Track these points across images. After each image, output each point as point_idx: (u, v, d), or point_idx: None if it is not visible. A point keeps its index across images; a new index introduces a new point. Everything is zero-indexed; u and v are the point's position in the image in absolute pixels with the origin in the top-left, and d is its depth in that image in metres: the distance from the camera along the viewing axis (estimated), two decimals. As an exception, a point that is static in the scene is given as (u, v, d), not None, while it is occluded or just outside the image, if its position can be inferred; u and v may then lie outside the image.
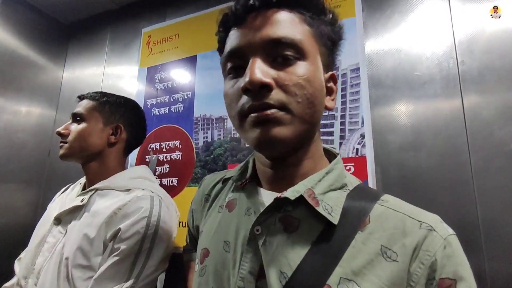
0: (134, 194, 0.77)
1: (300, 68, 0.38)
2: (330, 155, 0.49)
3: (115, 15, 1.53)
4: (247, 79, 0.36)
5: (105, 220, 0.72)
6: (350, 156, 0.89)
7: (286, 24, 0.39)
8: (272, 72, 0.38)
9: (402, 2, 0.94)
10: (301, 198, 0.39)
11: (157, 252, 0.73)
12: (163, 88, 1.27)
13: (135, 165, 1.24)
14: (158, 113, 1.25)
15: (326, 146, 0.49)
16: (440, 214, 0.74)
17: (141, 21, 1.44)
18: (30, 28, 1.49)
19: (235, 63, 0.41)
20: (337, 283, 0.35)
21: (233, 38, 0.41)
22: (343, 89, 0.95)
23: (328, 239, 0.38)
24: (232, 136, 1.08)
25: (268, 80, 0.36)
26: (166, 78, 1.28)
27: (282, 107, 0.37)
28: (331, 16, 0.44)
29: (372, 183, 0.85)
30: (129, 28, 1.47)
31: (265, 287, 0.37)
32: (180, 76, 1.25)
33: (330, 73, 0.45)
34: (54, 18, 1.60)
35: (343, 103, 0.93)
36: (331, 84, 0.45)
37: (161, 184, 1.15)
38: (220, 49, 0.46)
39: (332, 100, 0.45)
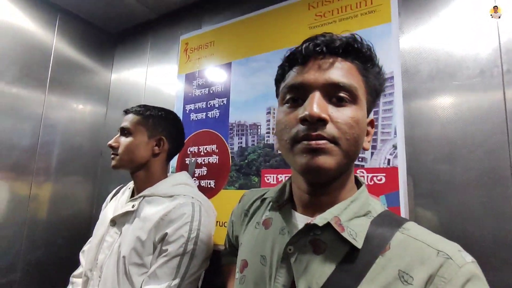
0: (177, 201, 0.87)
1: (352, 111, 0.44)
2: (358, 183, 0.53)
3: (154, 24, 1.63)
4: (306, 112, 0.42)
5: (154, 225, 0.83)
6: (381, 166, 0.90)
7: (346, 72, 0.45)
8: (329, 109, 0.43)
9: (441, 5, 0.89)
10: (328, 224, 0.44)
11: (200, 253, 0.83)
12: (200, 94, 1.35)
13: (176, 167, 1.34)
14: (196, 118, 1.34)
15: (355, 175, 0.54)
16: (476, 231, 0.74)
17: (179, 29, 1.51)
18: (82, 38, 1.65)
19: (295, 95, 0.47)
20: None
21: (297, 74, 0.47)
22: (376, 99, 0.94)
23: (352, 261, 0.42)
24: (266, 142, 1.13)
25: (325, 115, 0.42)
26: (203, 85, 1.35)
27: (333, 140, 0.42)
28: (379, 70, 0.50)
29: (403, 194, 0.85)
30: (168, 35, 1.56)
31: None
32: (216, 82, 1.31)
33: (370, 118, 0.51)
34: (102, 29, 1.75)
35: (376, 113, 0.93)
36: (369, 127, 0.50)
37: (199, 186, 1.24)
38: (278, 80, 0.53)
39: (368, 141, 0.50)
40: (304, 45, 0.47)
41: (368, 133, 0.50)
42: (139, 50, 1.69)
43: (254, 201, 0.65)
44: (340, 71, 0.45)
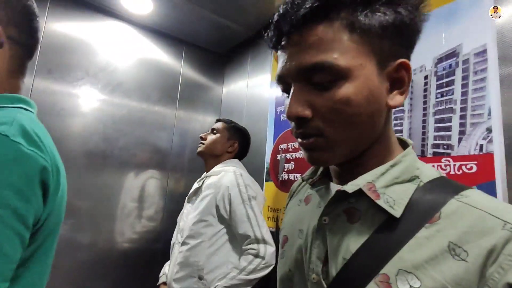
0: (223, 173, 1.25)
1: (338, 91, 0.36)
2: (406, 147, 0.45)
3: (252, 40, 1.87)
4: (285, 110, 0.39)
5: (210, 192, 1.21)
6: (472, 153, 0.79)
7: (318, 45, 0.36)
8: (312, 98, 0.38)
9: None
10: (362, 191, 0.39)
11: (257, 200, 1.19)
12: (287, 97, 1.47)
13: (270, 162, 1.51)
14: (285, 118, 1.47)
15: (402, 137, 0.46)
16: None
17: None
18: (201, 62, 2.06)
19: (283, 88, 0.43)
20: (395, 274, 0.34)
21: (279, 63, 0.41)
22: (464, 78, 0.83)
23: (389, 230, 0.37)
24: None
25: (302, 113, 0.38)
26: (290, 87, 1.47)
27: (320, 134, 0.38)
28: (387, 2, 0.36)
29: (501, 185, 0.72)
30: (263, 48, 1.77)
31: (329, 271, 0.40)
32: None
33: (398, 62, 0.38)
34: (214, 52, 2.13)
35: (464, 93, 0.82)
36: (401, 74, 0.39)
37: (287, 179, 1.36)
38: None
39: (402, 93, 0.39)
40: (268, 31, 0.41)
41: (399, 82, 0.39)
42: (242, 64, 1.97)
43: (301, 183, 0.62)
44: (310, 49, 0.36)
